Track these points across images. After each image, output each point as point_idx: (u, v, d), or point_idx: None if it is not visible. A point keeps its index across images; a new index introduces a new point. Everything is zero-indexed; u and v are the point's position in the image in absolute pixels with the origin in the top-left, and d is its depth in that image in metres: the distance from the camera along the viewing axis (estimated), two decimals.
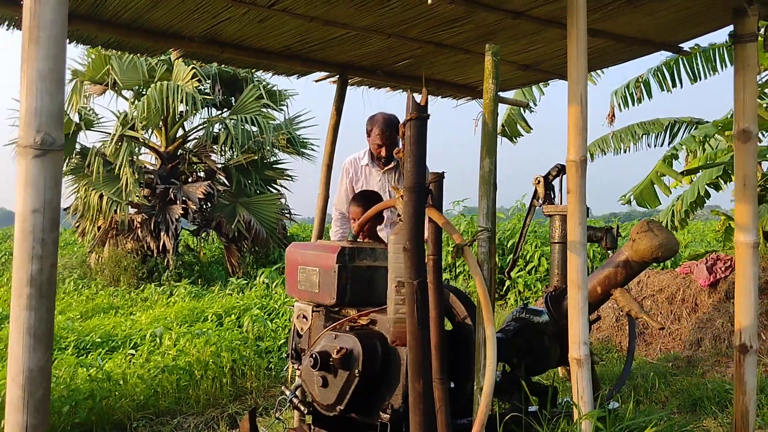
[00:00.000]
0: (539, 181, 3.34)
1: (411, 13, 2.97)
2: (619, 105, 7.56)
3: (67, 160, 13.70)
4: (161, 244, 13.84)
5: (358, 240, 2.70)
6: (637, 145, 7.59)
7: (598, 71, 5.44)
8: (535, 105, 5.51)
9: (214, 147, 15.39)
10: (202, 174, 15.60)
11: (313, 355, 2.41)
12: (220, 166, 15.33)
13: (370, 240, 2.89)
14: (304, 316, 2.67)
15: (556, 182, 3.36)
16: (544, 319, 3.02)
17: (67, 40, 3.38)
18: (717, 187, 6.36)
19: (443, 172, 2.26)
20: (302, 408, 2.68)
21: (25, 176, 1.20)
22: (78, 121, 13.69)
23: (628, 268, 2.77)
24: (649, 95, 7.43)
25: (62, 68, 1.20)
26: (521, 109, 5.83)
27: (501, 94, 4.45)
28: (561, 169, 3.32)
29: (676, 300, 6.51)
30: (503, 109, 5.85)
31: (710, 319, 6.22)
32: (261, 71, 3.89)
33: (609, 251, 3.08)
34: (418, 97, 2.27)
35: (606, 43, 3.45)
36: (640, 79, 7.37)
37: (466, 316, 2.56)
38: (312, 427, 2.67)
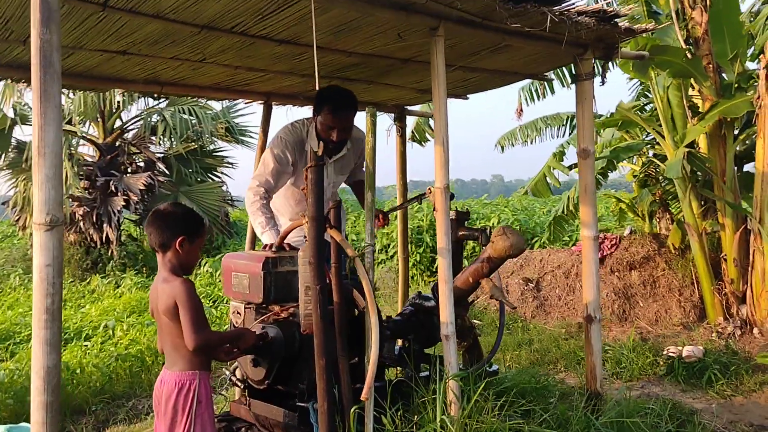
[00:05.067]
0: (430, 191, 4.07)
1: (322, 61, 3.61)
2: (526, 100, 8.37)
3: (3, 156, 13.75)
4: (104, 235, 14.04)
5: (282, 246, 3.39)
6: (542, 137, 8.39)
7: None
8: None
9: (153, 138, 15.54)
10: (141, 164, 15.76)
11: None
12: (159, 156, 15.52)
13: (289, 246, 3.54)
14: (238, 312, 3.36)
15: None
16: (432, 304, 3.78)
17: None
18: (604, 176, 7.26)
19: (340, 200, 2.96)
20: (239, 384, 3.39)
21: (40, 243, 1.85)
22: (13, 117, 13.72)
23: (490, 263, 3.52)
24: (552, 91, 8.23)
25: (60, 173, 1.82)
26: (427, 118, 6.57)
27: (408, 107, 5.17)
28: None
29: (572, 274, 7.39)
30: (412, 119, 6.55)
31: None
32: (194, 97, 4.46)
33: (483, 247, 3.84)
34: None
35: (483, 75, 4.20)
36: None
37: (366, 305, 3.30)
38: (248, 398, 3.38)
